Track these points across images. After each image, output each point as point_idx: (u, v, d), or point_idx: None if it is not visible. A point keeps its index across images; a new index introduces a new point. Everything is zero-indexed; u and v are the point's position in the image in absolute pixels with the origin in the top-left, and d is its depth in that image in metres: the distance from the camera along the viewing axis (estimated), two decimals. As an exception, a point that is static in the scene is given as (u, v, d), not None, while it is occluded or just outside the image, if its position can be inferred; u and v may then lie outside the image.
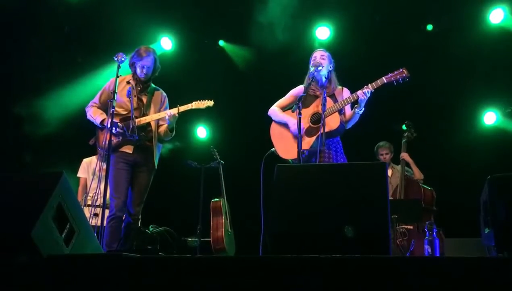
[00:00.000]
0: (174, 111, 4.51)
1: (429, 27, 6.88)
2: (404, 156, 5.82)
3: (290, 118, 4.32)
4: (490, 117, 6.87)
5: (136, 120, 4.47)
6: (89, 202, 5.23)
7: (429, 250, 4.31)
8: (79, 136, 5.86)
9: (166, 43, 7.21)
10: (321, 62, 4.31)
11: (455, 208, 6.04)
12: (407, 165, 5.88)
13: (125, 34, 6.61)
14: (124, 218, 4.43)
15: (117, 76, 4.24)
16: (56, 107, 6.45)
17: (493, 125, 6.88)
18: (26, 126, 6.40)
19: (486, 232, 2.95)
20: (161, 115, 4.56)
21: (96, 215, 5.13)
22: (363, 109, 4.17)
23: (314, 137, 4.18)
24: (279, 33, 6.53)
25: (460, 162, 6.46)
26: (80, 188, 5.81)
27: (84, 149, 5.74)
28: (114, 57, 4.23)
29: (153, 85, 4.74)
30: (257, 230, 4.13)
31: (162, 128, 4.66)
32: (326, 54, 4.45)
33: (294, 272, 2.21)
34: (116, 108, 4.37)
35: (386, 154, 6.08)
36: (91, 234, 3.03)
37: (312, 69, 4.25)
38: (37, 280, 2.42)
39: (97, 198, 4.95)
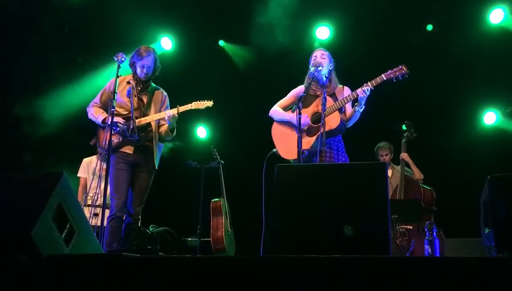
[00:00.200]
0: (173, 111, 4.51)
1: (429, 27, 6.88)
2: (404, 156, 5.82)
3: (293, 116, 4.31)
4: (490, 117, 6.87)
5: (136, 120, 4.47)
6: (89, 202, 5.24)
7: (429, 250, 4.31)
8: (79, 136, 5.87)
9: (166, 43, 7.21)
10: (321, 62, 4.31)
11: (455, 208, 6.04)
12: (407, 165, 5.88)
13: (125, 34, 6.61)
14: (124, 218, 4.43)
15: (117, 76, 4.24)
16: (56, 107, 6.45)
17: (493, 125, 6.88)
18: (26, 126, 6.41)
19: (486, 232, 2.95)
20: (161, 116, 4.56)
21: (96, 215, 5.13)
22: (364, 107, 4.17)
23: (315, 137, 4.18)
24: (279, 33, 6.53)
25: (460, 162, 6.46)
26: (80, 188, 5.81)
27: (84, 149, 5.74)
28: (114, 57, 4.23)
29: (153, 84, 4.74)
30: (257, 230, 4.13)
31: (163, 128, 4.66)
32: (326, 53, 4.45)
33: (294, 272, 2.21)
34: (117, 108, 4.38)
35: (386, 155, 6.08)
36: (91, 234, 3.03)
37: (312, 69, 4.24)
38: (37, 280, 2.42)
39: (97, 198, 4.95)
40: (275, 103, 4.58)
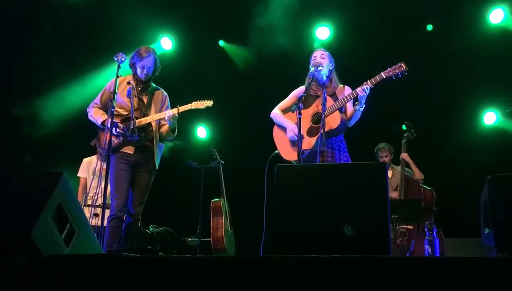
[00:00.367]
0: (173, 111, 4.51)
1: (429, 27, 6.88)
2: (404, 156, 5.82)
3: (289, 123, 4.32)
4: (490, 117, 6.87)
5: (136, 121, 4.47)
6: (89, 202, 5.23)
7: (429, 250, 4.31)
8: (79, 137, 5.87)
9: (166, 43, 7.21)
10: (321, 62, 4.31)
11: (455, 208, 6.04)
12: (407, 165, 5.89)
13: (125, 34, 6.61)
14: (124, 218, 4.43)
15: (117, 77, 4.24)
16: (56, 107, 6.45)
17: (493, 125, 6.88)
18: (26, 126, 6.41)
19: (486, 232, 2.95)
20: (161, 116, 4.56)
21: (96, 215, 5.13)
22: (364, 106, 4.17)
23: (315, 137, 4.17)
24: (279, 33, 6.53)
25: (460, 162, 6.46)
26: (80, 188, 5.81)
27: (84, 149, 5.74)
28: (114, 57, 4.23)
29: (153, 85, 4.74)
30: (257, 230, 4.13)
31: (164, 129, 4.66)
32: (326, 53, 4.45)
33: (294, 272, 2.21)
34: (117, 109, 4.38)
35: (386, 156, 6.08)
36: (91, 234, 3.03)
37: (312, 69, 4.24)
38: (37, 280, 2.42)
39: (97, 198, 4.95)
40: (275, 103, 4.58)
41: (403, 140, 5.88)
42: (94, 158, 5.80)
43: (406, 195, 5.47)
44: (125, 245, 4.34)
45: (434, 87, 6.64)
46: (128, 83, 4.57)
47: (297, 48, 6.66)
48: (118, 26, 6.67)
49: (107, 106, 4.37)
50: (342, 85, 4.41)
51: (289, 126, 4.31)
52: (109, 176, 4.22)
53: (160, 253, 5.15)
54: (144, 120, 4.53)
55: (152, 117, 4.56)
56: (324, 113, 4.01)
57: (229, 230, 6.46)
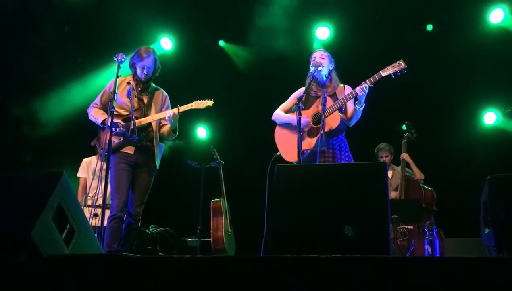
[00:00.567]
0: (174, 111, 4.51)
1: (429, 27, 6.88)
2: (404, 156, 5.82)
3: (293, 117, 4.31)
4: (490, 117, 6.87)
5: (137, 121, 4.47)
6: (89, 202, 5.23)
7: (429, 250, 4.31)
8: (79, 137, 5.87)
9: (166, 43, 7.21)
10: (321, 62, 4.31)
11: (455, 208, 6.04)
12: (408, 165, 5.89)
13: (125, 34, 6.61)
14: (124, 218, 4.43)
15: (117, 77, 4.24)
16: (56, 107, 6.45)
17: (493, 125, 6.88)
18: (26, 126, 6.41)
19: (486, 232, 2.95)
20: (161, 116, 4.56)
21: (96, 215, 5.12)
22: (364, 105, 4.17)
23: (316, 138, 4.17)
24: (279, 33, 6.53)
25: (460, 162, 6.46)
26: (80, 188, 5.81)
27: (84, 149, 5.74)
28: (114, 57, 4.23)
29: (153, 85, 4.74)
30: (257, 230, 4.12)
31: (165, 129, 4.66)
32: (326, 54, 4.45)
33: (294, 272, 2.21)
34: (117, 109, 4.38)
35: (386, 156, 6.08)
36: (91, 234, 3.03)
37: (312, 69, 4.25)
38: (37, 280, 2.42)
39: (97, 198, 4.95)
40: (275, 103, 4.58)
41: (403, 141, 5.88)
42: (94, 158, 5.80)
43: (406, 195, 5.47)
44: (125, 245, 4.34)
45: (434, 87, 6.64)
46: (128, 83, 4.57)
47: (297, 48, 6.65)
48: (118, 26, 6.67)
49: (107, 107, 4.37)
50: (342, 85, 4.41)
51: (293, 120, 4.26)
52: (109, 176, 4.22)
53: (160, 253, 5.16)
54: (144, 121, 4.53)
55: (152, 117, 4.56)
56: (324, 113, 4.01)
57: (229, 230, 6.46)
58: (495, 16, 6.51)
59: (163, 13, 6.92)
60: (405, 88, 6.11)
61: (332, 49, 4.74)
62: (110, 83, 4.60)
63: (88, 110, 4.66)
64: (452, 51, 6.51)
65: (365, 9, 6.69)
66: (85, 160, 5.90)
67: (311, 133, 4.24)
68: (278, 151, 4.37)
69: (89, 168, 5.80)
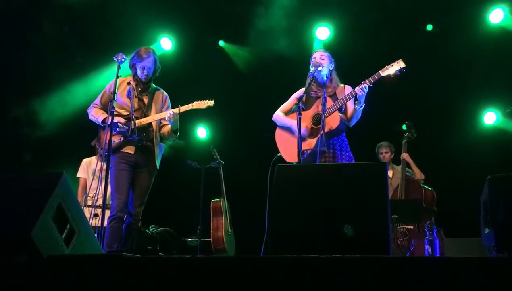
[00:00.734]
0: (174, 111, 4.51)
1: (429, 27, 6.88)
2: (405, 156, 5.82)
3: (293, 122, 4.31)
4: (490, 117, 6.87)
5: (137, 121, 4.47)
6: (89, 203, 5.23)
7: (429, 250, 4.31)
8: (80, 137, 5.86)
9: (166, 44, 7.21)
10: (321, 62, 4.31)
11: (455, 208, 6.04)
12: (408, 165, 5.89)
13: (125, 35, 6.61)
14: (125, 218, 4.43)
15: (117, 77, 4.24)
16: (56, 108, 6.45)
17: (493, 125, 6.88)
18: (26, 127, 6.40)
19: (486, 232, 2.95)
20: (162, 116, 4.56)
21: (96, 215, 5.12)
22: (364, 105, 4.17)
23: (316, 139, 4.18)
24: (279, 33, 6.53)
25: (460, 162, 6.45)
26: (80, 189, 5.80)
27: (84, 149, 5.74)
28: (114, 57, 4.23)
29: (154, 85, 4.74)
30: (257, 230, 4.12)
31: (165, 129, 4.66)
32: (326, 54, 4.45)
33: (294, 272, 2.21)
34: (118, 109, 4.39)
35: (386, 152, 6.09)
36: (91, 234, 3.03)
37: (312, 69, 4.25)
38: (37, 280, 2.42)
39: (97, 199, 4.95)
40: (275, 103, 4.58)
41: (404, 141, 5.88)
42: (93, 159, 5.80)
43: (406, 195, 5.47)
44: (125, 245, 4.34)
45: (434, 87, 6.64)
46: (129, 83, 4.57)
47: (297, 48, 6.65)
48: (118, 26, 6.67)
49: (107, 107, 4.37)
50: (342, 85, 4.41)
51: (294, 126, 4.28)
52: (109, 176, 4.22)
53: (160, 254, 5.15)
54: (144, 121, 4.53)
55: (153, 117, 4.56)
56: (324, 114, 4.01)
57: (229, 230, 6.46)
58: (495, 16, 6.51)
59: (163, 13, 6.92)
60: (405, 88, 6.11)
61: (332, 49, 4.75)
62: (110, 84, 4.60)
63: (88, 110, 4.66)
64: (452, 51, 6.51)
65: (365, 9, 6.68)
66: (84, 160, 5.90)
67: (311, 134, 4.24)
68: (278, 152, 4.38)
69: (89, 168, 5.80)
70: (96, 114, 4.56)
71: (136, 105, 4.53)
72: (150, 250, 5.09)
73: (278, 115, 4.51)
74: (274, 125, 4.54)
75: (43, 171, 4.45)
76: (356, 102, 4.19)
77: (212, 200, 6.48)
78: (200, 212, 6.39)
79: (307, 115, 4.27)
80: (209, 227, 6.31)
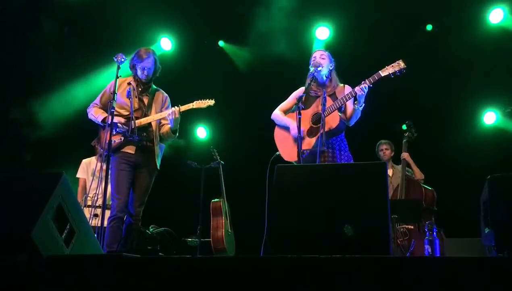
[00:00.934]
0: (176, 110, 4.51)
1: (429, 27, 6.88)
2: (405, 155, 5.83)
3: (291, 122, 4.32)
4: (490, 117, 6.87)
5: (137, 121, 4.47)
6: (89, 203, 5.23)
7: (429, 250, 4.31)
8: (80, 137, 5.86)
9: (166, 44, 7.21)
10: (321, 62, 4.31)
11: (455, 208, 6.04)
12: (408, 165, 5.89)
13: (125, 35, 6.62)
14: (125, 218, 4.43)
15: (117, 77, 4.25)
16: (56, 108, 6.45)
17: (493, 125, 6.89)
18: (26, 126, 6.40)
19: (486, 232, 2.95)
20: (162, 115, 4.56)
21: (96, 215, 5.12)
22: (363, 105, 4.17)
23: (315, 138, 4.18)
24: (278, 33, 6.53)
25: (460, 162, 6.46)
26: (79, 189, 5.80)
27: (84, 149, 5.73)
28: (114, 58, 4.24)
29: (154, 86, 4.74)
30: (257, 230, 4.12)
31: (165, 129, 4.66)
32: (326, 53, 4.45)
33: (294, 272, 2.21)
34: (118, 109, 4.39)
35: (386, 149, 6.09)
36: (91, 234, 3.03)
37: (312, 69, 4.25)
38: (37, 280, 2.42)
39: (97, 199, 4.95)
40: (275, 103, 4.58)
41: (404, 140, 5.88)
42: (93, 159, 5.80)
43: (407, 195, 5.47)
44: (125, 245, 4.34)
45: (434, 87, 6.64)
46: (129, 84, 4.57)
47: (297, 48, 6.66)
48: (118, 27, 6.67)
49: (107, 107, 4.37)
50: (342, 85, 4.42)
51: (291, 125, 4.31)
52: (109, 176, 4.22)
53: (160, 254, 5.16)
54: (144, 120, 4.53)
55: (153, 117, 4.56)
56: (323, 113, 4.01)
57: (229, 230, 6.46)
58: (495, 16, 6.51)
59: (163, 13, 6.92)
60: (405, 88, 6.12)
61: (332, 49, 4.74)
62: (110, 84, 4.60)
63: (88, 110, 4.66)
64: (452, 51, 6.52)
65: (365, 9, 6.68)
66: (84, 161, 5.90)
67: (310, 133, 4.24)
68: (278, 151, 4.38)
69: (89, 169, 5.80)
70: (96, 114, 4.56)
71: (136, 105, 4.53)
72: (150, 250, 5.10)
73: (277, 114, 4.51)
74: (274, 125, 4.54)
75: (43, 171, 4.45)
76: (355, 102, 4.19)
77: (212, 200, 6.48)
78: (200, 212, 6.39)
79: (307, 115, 4.27)
80: (209, 227, 6.31)
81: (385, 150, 6.09)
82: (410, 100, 6.56)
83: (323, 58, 4.38)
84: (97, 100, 4.65)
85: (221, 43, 7.48)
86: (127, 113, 4.51)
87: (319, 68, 4.26)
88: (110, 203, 4.54)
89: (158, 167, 4.61)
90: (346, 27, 6.91)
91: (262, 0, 6.51)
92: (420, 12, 6.69)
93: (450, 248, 4.69)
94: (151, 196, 4.63)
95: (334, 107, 4.16)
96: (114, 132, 4.35)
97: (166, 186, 6.28)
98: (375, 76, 4.07)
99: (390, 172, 5.96)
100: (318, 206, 2.73)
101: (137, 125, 4.45)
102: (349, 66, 4.83)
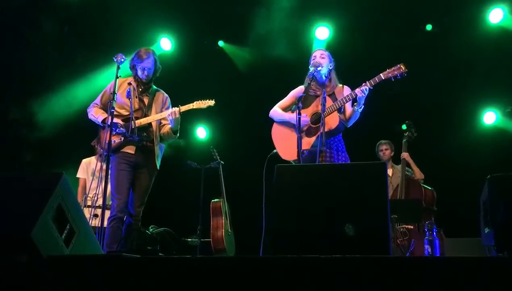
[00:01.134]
0: (175, 110, 4.51)
1: (429, 27, 6.88)
2: (405, 155, 5.83)
3: (292, 116, 4.31)
4: (489, 117, 6.87)
5: (137, 121, 4.47)
6: (89, 203, 5.23)
7: (429, 250, 4.31)
8: (80, 137, 5.86)
9: (165, 44, 7.21)
10: (321, 62, 4.31)
11: (455, 208, 6.04)
12: (408, 164, 5.89)
13: (125, 35, 6.61)
14: (125, 219, 4.43)
15: (117, 77, 4.25)
16: (56, 108, 6.45)
17: (492, 125, 6.89)
18: (26, 127, 6.40)
19: (486, 232, 2.95)
20: (162, 116, 4.56)
21: (96, 216, 5.12)
22: (363, 107, 4.17)
23: (314, 138, 4.18)
24: (278, 33, 6.53)
25: (460, 162, 6.46)
26: (79, 189, 5.80)
27: (84, 149, 5.73)
28: (114, 58, 4.24)
29: (154, 86, 4.74)
30: (257, 230, 4.13)
31: (165, 129, 4.66)
32: (326, 53, 4.45)
33: (294, 272, 2.21)
34: (118, 109, 4.39)
35: (386, 149, 6.09)
36: (91, 235, 3.03)
37: (311, 69, 4.25)
38: (37, 280, 2.42)
39: (97, 199, 4.95)
40: (275, 103, 4.58)
41: (404, 140, 5.88)
42: (93, 159, 5.80)
43: (407, 195, 5.47)
44: (125, 245, 4.34)
45: (434, 87, 6.64)
46: (129, 84, 4.57)
47: (296, 48, 6.66)
48: (118, 27, 6.67)
49: (107, 107, 4.37)
50: (341, 85, 4.42)
51: (293, 119, 4.28)
52: (109, 176, 4.22)
53: (160, 254, 5.16)
54: (144, 120, 4.53)
55: (153, 117, 4.56)
56: (323, 113, 4.01)
57: (229, 230, 6.46)
58: (495, 16, 6.51)
59: (163, 14, 6.92)
60: (405, 88, 6.12)
61: (332, 49, 4.75)
62: (110, 84, 4.60)
63: (88, 110, 4.66)
64: (452, 51, 6.52)
65: (365, 9, 6.68)
66: (84, 161, 5.90)
67: (309, 133, 4.24)
68: (275, 149, 4.37)
69: (88, 169, 5.80)
70: (96, 114, 4.56)
71: (136, 105, 4.53)
72: (150, 250, 5.10)
73: (276, 111, 4.50)
74: (272, 124, 4.53)
75: (43, 171, 4.45)
76: (355, 103, 4.19)
77: (212, 200, 6.48)
78: (200, 212, 6.39)
79: (306, 114, 4.27)
80: (209, 227, 6.31)
81: (385, 150, 6.09)
82: (410, 100, 6.56)
83: (323, 58, 4.38)
84: (97, 101, 4.65)
85: (220, 43, 7.48)
86: (127, 113, 4.51)
87: (318, 68, 4.26)
88: (110, 203, 4.54)
89: (158, 167, 4.61)
90: (346, 27, 6.91)
91: (262, 0, 6.51)
92: (420, 12, 6.69)
93: (450, 248, 4.69)
94: (151, 196, 4.63)
95: (334, 108, 4.16)
96: (114, 133, 4.35)
97: (166, 186, 6.28)
98: (376, 79, 4.09)
99: (390, 172, 5.96)
100: (318, 205, 2.73)
101: (137, 125, 4.45)
102: (349, 66, 4.83)
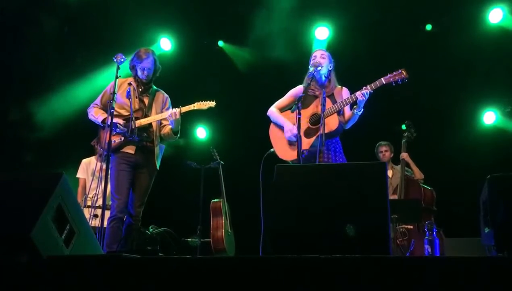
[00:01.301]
0: (176, 111, 4.51)
1: (429, 27, 6.89)
2: (404, 156, 5.82)
3: (286, 122, 4.31)
4: (489, 117, 6.87)
5: (137, 121, 4.47)
6: (89, 203, 5.23)
7: (429, 250, 4.31)
8: (79, 137, 5.86)
9: (165, 44, 7.21)
10: (321, 62, 4.31)
11: (455, 208, 6.04)
12: (407, 165, 5.89)
13: (125, 35, 6.62)
14: (125, 219, 4.43)
15: (117, 77, 4.25)
16: (56, 108, 6.45)
17: (492, 125, 6.89)
18: (26, 127, 6.40)
19: (486, 232, 2.95)
20: (162, 116, 4.56)
21: (96, 216, 5.12)
22: (362, 110, 4.17)
23: (313, 138, 4.18)
24: (278, 33, 6.53)
25: (460, 162, 6.46)
26: (79, 189, 5.80)
27: (84, 149, 5.73)
28: (114, 58, 4.24)
29: (154, 87, 4.74)
30: (257, 230, 4.13)
31: (166, 130, 4.66)
32: (326, 53, 4.45)
33: (294, 272, 2.21)
34: (118, 109, 4.39)
35: (386, 151, 6.09)
36: (91, 235, 3.02)
37: (311, 69, 4.24)
38: (37, 281, 2.42)
39: (97, 199, 4.95)
40: (274, 103, 4.57)
41: (403, 140, 5.88)
42: (93, 159, 5.80)
43: (406, 195, 5.47)
44: (125, 245, 4.34)
45: (434, 87, 6.64)
46: (130, 84, 4.57)
47: (296, 48, 6.66)
48: (118, 27, 6.67)
49: (107, 107, 4.37)
50: (340, 87, 4.41)
51: (286, 127, 4.30)
52: (109, 176, 4.22)
53: (160, 254, 5.16)
54: (144, 121, 4.53)
55: (153, 118, 4.56)
56: (323, 114, 4.01)
57: (229, 230, 6.46)
58: (494, 16, 6.52)
59: (163, 14, 6.92)
60: (405, 88, 6.10)
61: (332, 49, 4.75)
62: (110, 84, 4.60)
63: (88, 110, 4.67)
64: (451, 51, 6.52)
65: (365, 9, 6.68)
66: (84, 161, 5.90)
67: (308, 134, 4.24)
68: (272, 148, 4.37)
69: (88, 169, 5.80)
70: (96, 114, 4.56)
71: (136, 106, 4.53)
72: (150, 251, 5.10)
73: (273, 111, 4.50)
74: (270, 123, 4.53)
75: (43, 171, 4.44)
76: (355, 106, 4.19)
77: (212, 200, 6.48)
78: (200, 212, 6.40)
79: (305, 115, 4.26)
80: (209, 227, 6.31)
81: (384, 152, 6.08)
82: (409, 100, 6.56)
83: (323, 58, 4.38)
84: (97, 101, 4.65)
85: (220, 43, 7.48)
86: (127, 113, 4.51)
87: (318, 68, 4.25)
88: (110, 203, 4.54)
89: (158, 168, 4.61)
90: (346, 27, 6.91)
91: (262, 1, 6.51)
92: (420, 12, 6.69)
93: (450, 248, 4.69)
94: (151, 196, 4.63)
95: (334, 109, 4.15)
96: (114, 133, 4.35)
97: (166, 186, 6.28)
98: (377, 83, 4.09)
99: (389, 173, 5.96)
100: (318, 205, 2.73)
101: (137, 125, 4.45)
102: (348, 66, 4.83)
